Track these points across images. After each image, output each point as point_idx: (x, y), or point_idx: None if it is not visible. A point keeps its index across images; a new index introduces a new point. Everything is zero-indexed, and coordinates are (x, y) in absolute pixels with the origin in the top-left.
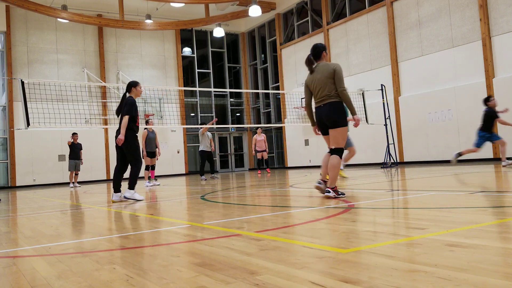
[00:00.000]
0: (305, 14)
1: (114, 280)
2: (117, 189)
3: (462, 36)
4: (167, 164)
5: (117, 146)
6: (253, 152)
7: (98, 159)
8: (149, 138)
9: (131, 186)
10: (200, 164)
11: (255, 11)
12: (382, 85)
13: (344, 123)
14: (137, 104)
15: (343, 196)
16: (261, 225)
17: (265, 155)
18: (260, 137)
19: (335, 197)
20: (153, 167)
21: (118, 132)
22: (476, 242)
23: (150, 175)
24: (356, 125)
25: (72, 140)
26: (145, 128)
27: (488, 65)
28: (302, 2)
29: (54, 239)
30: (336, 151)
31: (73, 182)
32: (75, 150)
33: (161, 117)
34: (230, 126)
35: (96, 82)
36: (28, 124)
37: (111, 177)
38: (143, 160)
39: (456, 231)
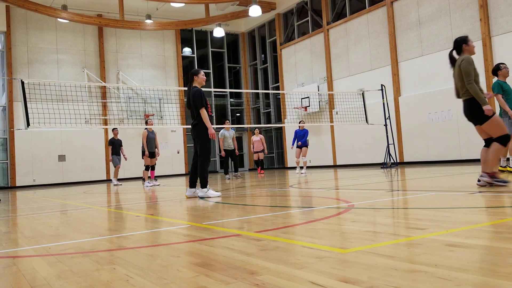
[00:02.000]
0: (305, 14)
1: (114, 280)
2: (192, 185)
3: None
4: (167, 164)
5: (194, 142)
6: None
7: (98, 159)
8: (149, 138)
9: (203, 184)
10: (224, 163)
11: (255, 11)
12: (382, 85)
13: (485, 116)
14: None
15: (502, 184)
16: (261, 225)
17: (261, 156)
18: (257, 138)
19: (489, 183)
20: (153, 167)
21: (193, 126)
22: (476, 242)
23: (150, 175)
24: (488, 113)
25: (113, 139)
26: (145, 128)
27: (488, 65)
28: (302, 2)
29: (54, 239)
30: (497, 140)
31: (111, 179)
32: (116, 146)
33: (161, 117)
34: (230, 126)
35: (96, 82)
36: (28, 124)
37: (111, 177)
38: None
39: (456, 231)
